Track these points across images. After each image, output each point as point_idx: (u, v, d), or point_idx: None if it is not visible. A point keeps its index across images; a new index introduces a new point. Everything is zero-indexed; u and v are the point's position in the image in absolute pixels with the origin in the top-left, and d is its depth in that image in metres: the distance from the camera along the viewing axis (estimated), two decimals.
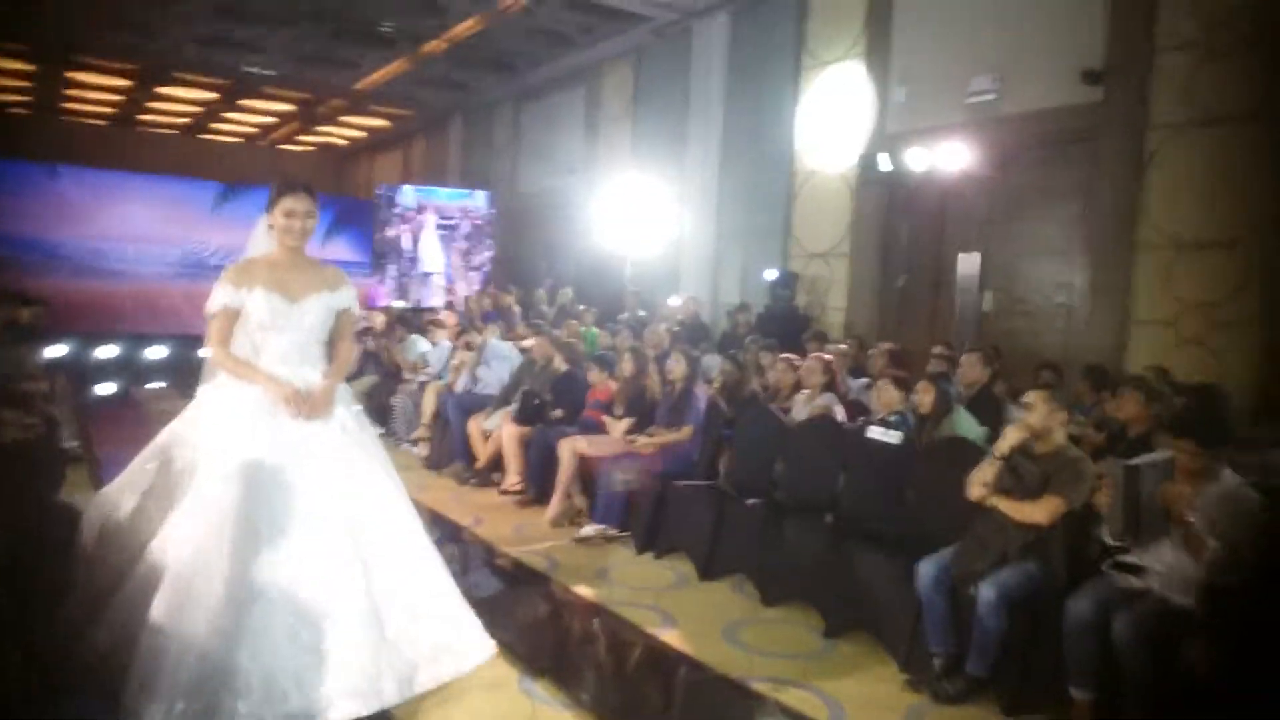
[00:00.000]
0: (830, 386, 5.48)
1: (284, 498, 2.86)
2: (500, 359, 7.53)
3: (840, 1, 8.84)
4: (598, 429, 6.00)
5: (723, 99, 10.07)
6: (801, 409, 5.41)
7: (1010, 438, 3.59)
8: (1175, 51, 6.23)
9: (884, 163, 7.80)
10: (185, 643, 2.58)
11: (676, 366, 5.74)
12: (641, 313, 9.64)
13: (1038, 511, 3.43)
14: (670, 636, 4.06)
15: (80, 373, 12.19)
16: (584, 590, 4.62)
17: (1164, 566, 3.16)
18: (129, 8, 10.92)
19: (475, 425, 6.87)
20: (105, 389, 11.83)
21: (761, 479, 4.95)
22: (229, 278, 3.08)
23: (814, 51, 9.14)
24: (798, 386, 5.70)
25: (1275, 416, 5.25)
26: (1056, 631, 3.17)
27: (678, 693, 3.78)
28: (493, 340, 7.66)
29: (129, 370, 13.24)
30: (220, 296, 3.06)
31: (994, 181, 7.34)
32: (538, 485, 6.16)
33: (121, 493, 3.17)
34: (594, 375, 6.43)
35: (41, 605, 2.99)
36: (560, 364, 6.68)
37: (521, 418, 6.49)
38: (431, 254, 13.46)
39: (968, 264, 7.62)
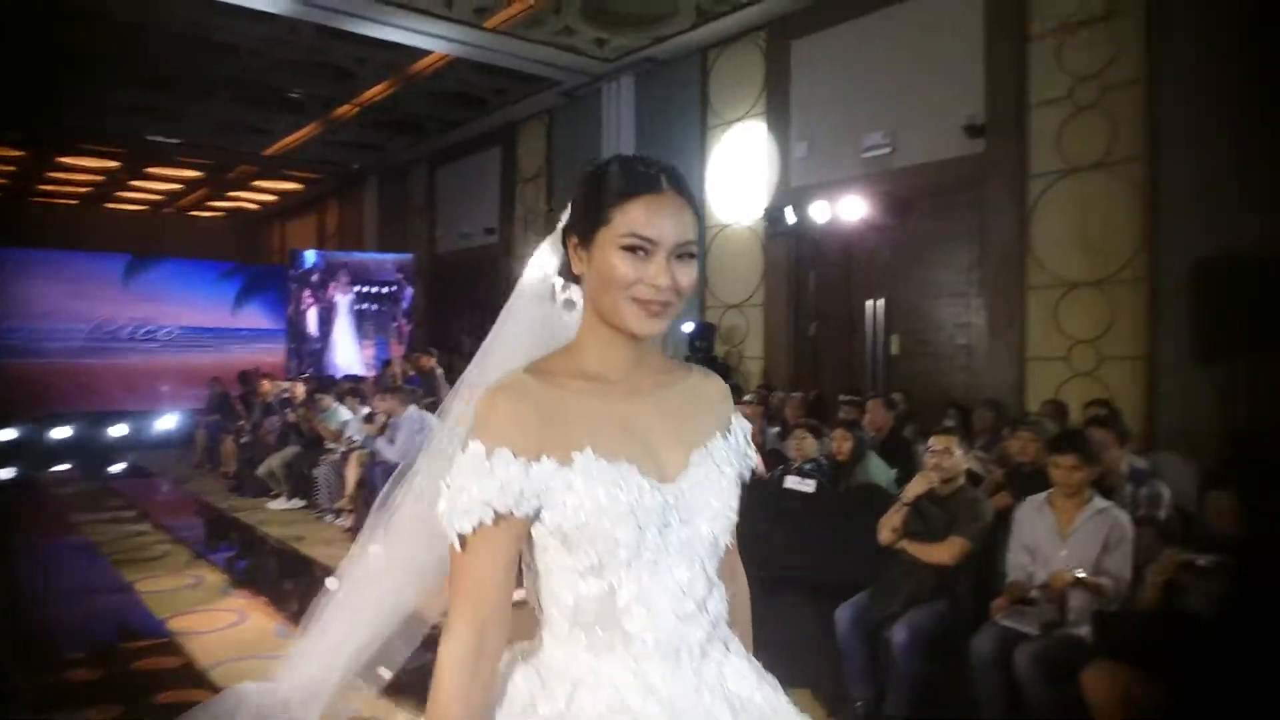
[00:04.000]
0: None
1: None
2: (415, 428, 7.32)
3: (740, 63, 9.24)
4: None
5: None
6: None
7: (916, 485, 3.78)
8: (1046, 106, 6.71)
9: (789, 215, 8.10)
10: None
11: None
12: None
13: (943, 553, 3.61)
14: None
15: None
16: None
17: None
18: (26, 76, 10.69)
19: None
20: (4, 474, 11.31)
21: None
22: (490, 424, 1.18)
23: (718, 111, 9.49)
24: None
25: (1154, 446, 5.58)
26: (967, 669, 3.32)
27: None
28: (410, 409, 7.41)
29: (30, 454, 12.65)
30: (472, 488, 1.16)
31: (893, 230, 7.71)
32: None
33: None
34: None
35: None
36: None
37: None
38: (345, 326, 13.30)
39: (874, 310, 7.95)
